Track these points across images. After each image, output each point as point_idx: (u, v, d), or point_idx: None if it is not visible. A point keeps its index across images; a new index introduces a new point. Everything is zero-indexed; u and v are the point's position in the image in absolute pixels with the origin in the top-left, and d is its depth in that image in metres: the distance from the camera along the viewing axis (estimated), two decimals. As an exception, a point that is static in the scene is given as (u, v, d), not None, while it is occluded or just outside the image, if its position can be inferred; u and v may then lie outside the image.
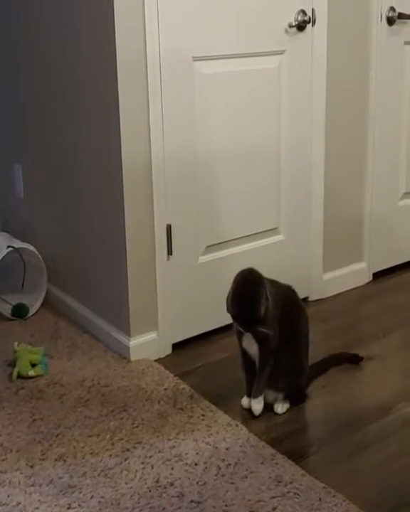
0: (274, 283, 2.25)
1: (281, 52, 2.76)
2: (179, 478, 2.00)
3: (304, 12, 2.75)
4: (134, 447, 2.14)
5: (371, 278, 3.34)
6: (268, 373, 2.27)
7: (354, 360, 2.60)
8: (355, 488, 1.96)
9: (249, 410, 2.30)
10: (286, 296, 2.30)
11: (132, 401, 2.38)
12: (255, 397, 2.29)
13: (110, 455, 2.10)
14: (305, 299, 3.02)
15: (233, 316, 2.17)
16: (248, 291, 2.15)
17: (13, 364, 2.54)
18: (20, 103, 3.07)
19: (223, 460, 2.07)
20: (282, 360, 2.26)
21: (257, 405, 2.29)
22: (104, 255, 2.70)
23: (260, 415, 2.29)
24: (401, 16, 3.04)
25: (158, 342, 2.68)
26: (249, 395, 2.31)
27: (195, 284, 2.73)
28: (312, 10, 2.78)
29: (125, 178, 2.47)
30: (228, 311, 2.16)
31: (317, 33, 2.82)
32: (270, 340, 2.22)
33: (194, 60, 2.53)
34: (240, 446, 2.13)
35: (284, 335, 2.24)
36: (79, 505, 1.90)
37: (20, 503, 1.91)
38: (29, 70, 2.94)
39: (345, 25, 2.92)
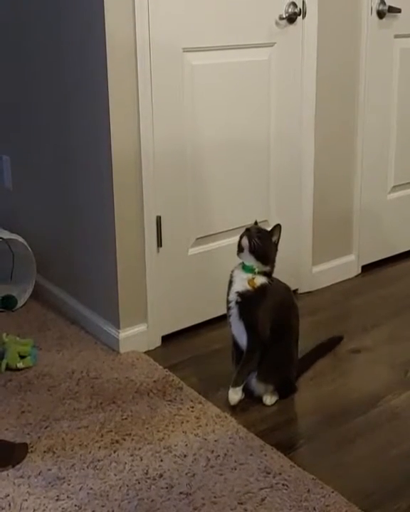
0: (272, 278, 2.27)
1: (271, 45, 2.75)
2: (168, 470, 2.00)
3: (294, 4, 2.74)
4: (124, 439, 2.14)
5: (360, 271, 3.35)
6: (251, 367, 2.27)
7: (338, 341, 2.65)
8: (344, 480, 1.97)
9: (238, 402, 2.30)
10: (282, 294, 2.32)
11: (121, 393, 2.38)
12: (233, 386, 2.27)
13: (99, 447, 2.10)
14: (295, 292, 3.02)
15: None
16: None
17: (1, 356, 2.53)
18: (7, 93, 3.05)
19: (212, 452, 2.08)
20: (272, 353, 2.26)
21: (233, 395, 2.28)
22: (94, 247, 2.69)
23: (248, 407, 2.29)
24: (391, 9, 3.05)
25: (147, 334, 2.68)
26: (238, 387, 2.32)
27: (185, 276, 2.73)
28: (303, 2, 2.77)
29: (115, 169, 2.46)
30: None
31: (307, 26, 2.82)
32: (259, 330, 2.23)
33: (184, 51, 2.52)
34: (229, 437, 2.14)
35: (275, 330, 2.25)
36: (68, 496, 1.90)
37: (8, 495, 1.91)
38: (17, 60, 2.92)
39: (336, 17, 2.91)
